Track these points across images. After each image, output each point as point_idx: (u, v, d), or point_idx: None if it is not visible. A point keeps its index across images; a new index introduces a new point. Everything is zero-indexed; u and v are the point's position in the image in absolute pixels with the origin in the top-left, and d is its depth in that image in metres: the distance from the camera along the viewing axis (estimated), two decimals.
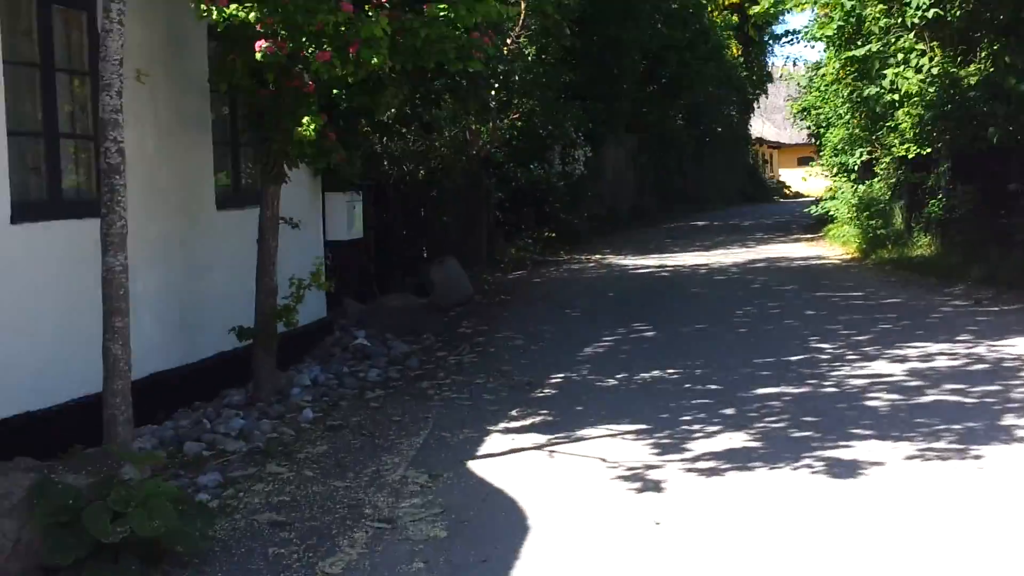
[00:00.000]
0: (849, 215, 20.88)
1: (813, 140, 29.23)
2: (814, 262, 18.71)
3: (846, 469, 6.08)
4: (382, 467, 6.37)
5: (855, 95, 18.94)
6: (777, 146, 58.20)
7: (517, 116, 20.76)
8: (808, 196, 56.93)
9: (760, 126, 53.26)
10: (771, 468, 6.15)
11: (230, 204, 9.25)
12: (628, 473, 6.16)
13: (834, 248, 21.19)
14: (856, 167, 20.83)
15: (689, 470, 6.18)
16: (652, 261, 19.84)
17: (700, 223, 32.07)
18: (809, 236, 25.10)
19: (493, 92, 19.24)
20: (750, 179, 48.22)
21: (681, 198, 37.62)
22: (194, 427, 7.13)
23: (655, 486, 5.90)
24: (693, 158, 39.15)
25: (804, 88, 27.73)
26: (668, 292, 15.04)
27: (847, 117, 20.29)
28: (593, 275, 17.93)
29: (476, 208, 17.94)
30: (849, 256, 19.42)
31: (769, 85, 47.20)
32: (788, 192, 55.15)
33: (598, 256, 21.37)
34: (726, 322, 12.03)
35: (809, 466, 6.18)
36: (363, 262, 12.33)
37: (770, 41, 45.98)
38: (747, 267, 18.08)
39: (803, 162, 65.36)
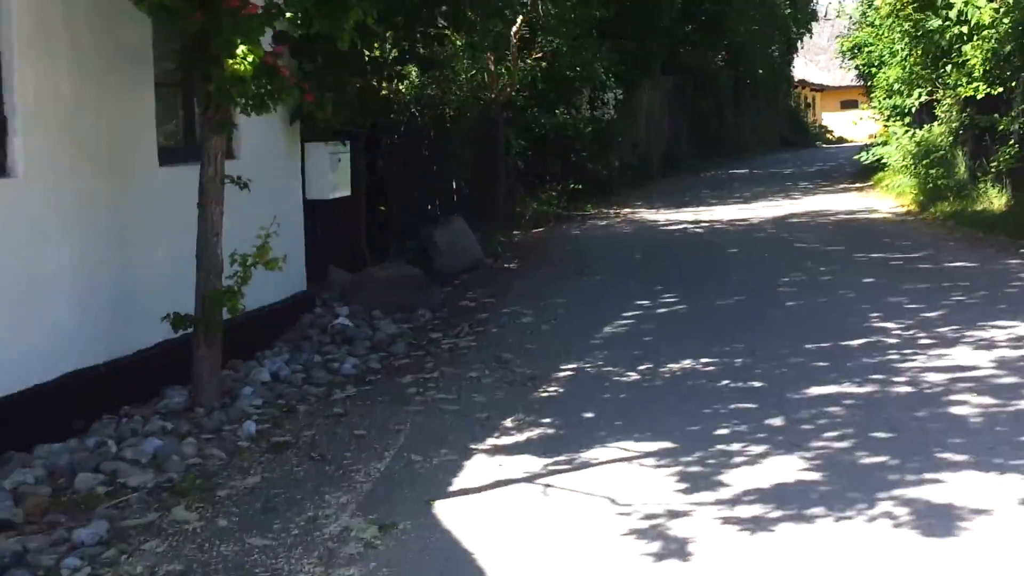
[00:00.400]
0: (904, 163, 19.01)
1: (863, 82, 27.19)
2: (866, 216, 16.96)
3: (940, 520, 4.49)
4: (322, 512, 4.85)
5: (915, 28, 17.03)
6: (820, 88, 55.71)
7: (540, 56, 19.00)
8: (852, 141, 54.56)
9: (803, 67, 50.85)
10: (837, 518, 4.56)
11: (177, 158, 7.68)
12: (644, 524, 4.59)
13: (887, 200, 19.38)
14: (913, 109, 18.94)
15: (726, 520, 4.61)
16: (686, 215, 18.16)
17: (739, 171, 30.21)
18: (858, 186, 23.25)
19: (514, 28, 17.53)
20: (791, 124, 46.00)
21: (719, 144, 35.69)
22: (96, 451, 5.64)
23: (680, 548, 4.33)
24: (732, 102, 37.09)
25: (855, 24, 25.71)
26: (702, 253, 13.42)
27: (904, 54, 18.34)
28: (620, 232, 16.31)
29: (493, 159, 16.29)
30: (904, 209, 17.64)
31: (814, 24, 44.79)
32: (831, 137, 52.91)
33: (628, 210, 19.70)
34: (770, 293, 10.40)
35: (889, 514, 4.58)
36: (353, 225, 10.78)
37: None
38: (791, 223, 16.37)
39: (847, 105, 62.77)
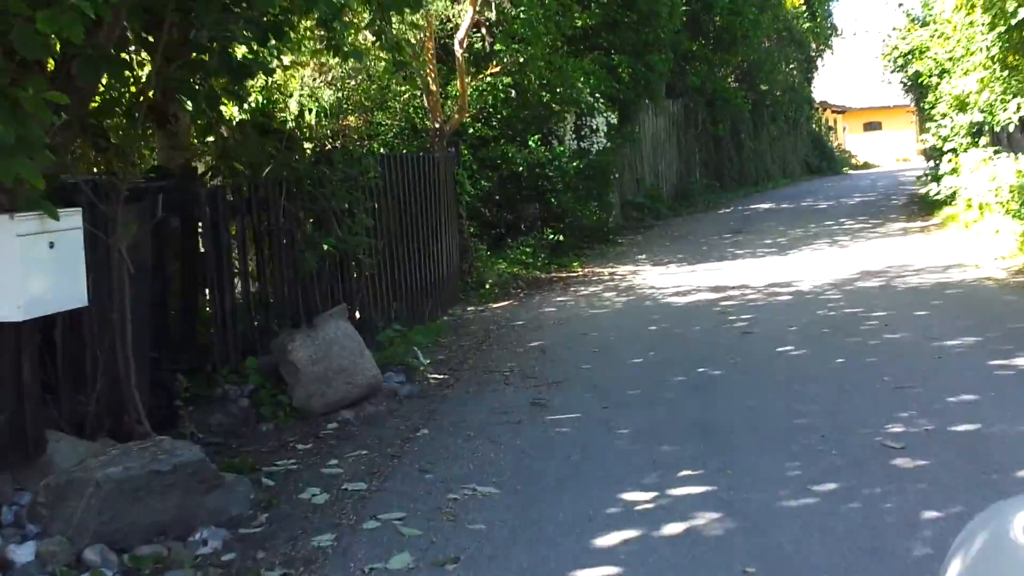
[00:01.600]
0: (1002, 199, 14.10)
1: (913, 99, 22.52)
2: (969, 276, 11.94)
3: None
4: None
5: (999, 19, 12.35)
6: (842, 110, 50.99)
7: (499, 70, 14.30)
8: (877, 167, 49.68)
9: (824, 87, 46.17)
10: None
11: None
12: None
13: (971, 245, 14.46)
14: (1007, 127, 14.17)
15: None
16: (704, 277, 13.35)
17: (764, 206, 25.41)
18: (919, 225, 18.41)
19: (460, 35, 12.86)
20: (815, 149, 41.21)
21: (737, 174, 30.97)
22: None
23: None
24: (750, 126, 32.38)
25: (905, 29, 21.05)
26: (733, 361, 8.44)
27: (992, 53, 13.57)
28: (610, 311, 11.50)
29: (435, 210, 11.54)
30: (1013, 262, 12.60)
31: (834, 40, 40.18)
32: (856, 162, 48.19)
33: (627, 268, 14.94)
34: (873, 474, 5.44)
35: None
36: (105, 358, 5.97)
37: None
38: (862, 291, 11.48)
39: (870, 127, 58.03)
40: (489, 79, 14.38)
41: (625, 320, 10.81)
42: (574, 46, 17.39)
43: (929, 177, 21.21)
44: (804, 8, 36.25)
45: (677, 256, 15.92)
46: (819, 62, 39.83)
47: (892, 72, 22.73)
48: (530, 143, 15.68)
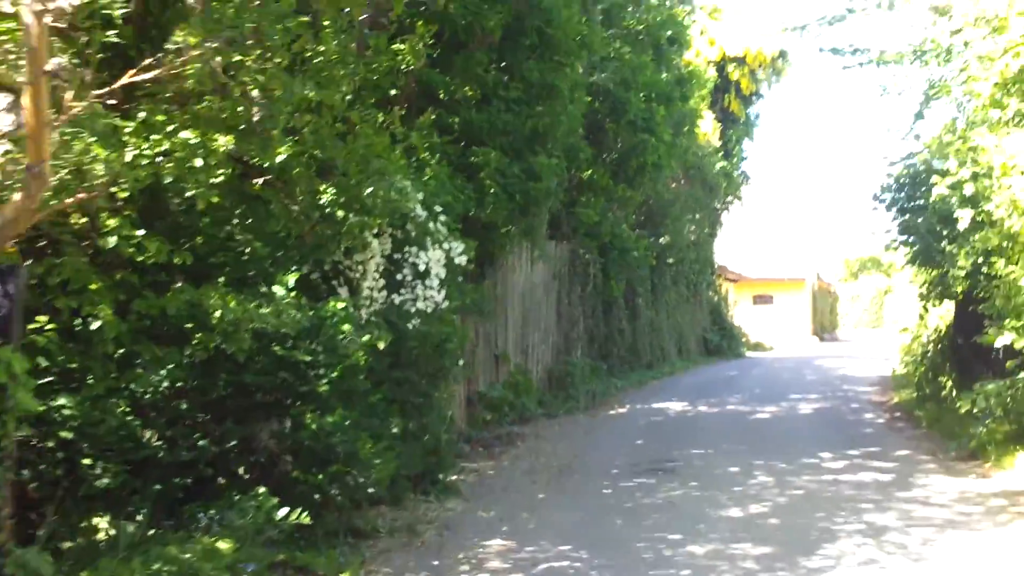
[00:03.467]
0: None
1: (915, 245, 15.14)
2: None
3: None
4: None
5: None
6: (734, 279, 44.27)
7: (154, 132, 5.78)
8: (770, 348, 42.78)
9: (719, 250, 39.26)
10: None
11: None
12: None
13: None
14: None
15: None
16: None
17: (673, 407, 17.30)
18: (975, 474, 10.38)
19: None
20: (714, 323, 33.89)
21: (628, 352, 22.94)
22: None
23: None
24: (649, 287, 24.67)
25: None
26: None
27: None
28: None
29: None
30: None
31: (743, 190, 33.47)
32: (747, 341, 40.86)
33: None
34: None
35: None
36: None
37: (754, 123, 32.37)
38: None
39: (760, 301, 51.73)
40: (138, 146, 5.83)
41: None
42: (391, 110, 9.09)
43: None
44: (719, 143, 29.41)
45: (564, 538, 7.49)
46: (724, 216, 32.93)
47: (896, 207, 15.55)
48: (275, 288, 7.10)
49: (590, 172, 19.28)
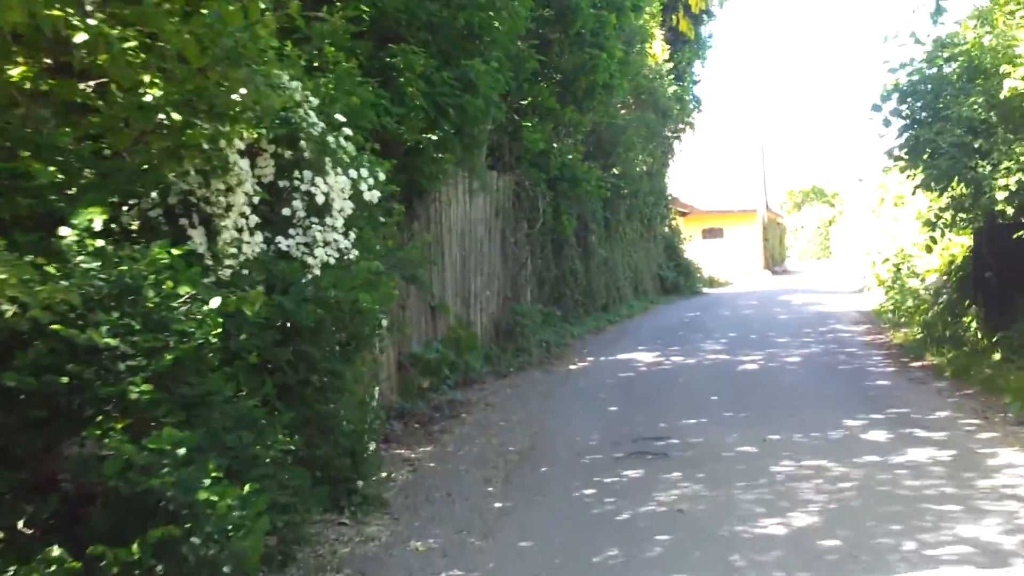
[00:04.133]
0: None
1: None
2: None
3: None
4: None
5: None
6: (684, 212, 41.86)
7: None
8: (727, 284, 40.40)
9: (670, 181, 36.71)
10: None
11: None
12: None
13: None
14: None
15: None
16: None
17: (640, 357, 14.90)
18: None
19: None
20: (670, 260, 31.51)
21: (583, 295, 20.46)
22: None
23: None
24: (603, 222, 22.16)
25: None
26: None
27: None
28: None
29: None
30: None
31: (696, 117, 30.88)
32: (702, 278, 38.51)
33: None
34: None
35: None
36: None
37: (705, 44, 29.79)
38: None
39: (710, 235, 49.44)
40: None
41: None
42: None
43: None
44: (671, 65, 26.70)
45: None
46: (676, 145, 30.34)
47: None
48: (64, 230, 4.40)
49: (533, 94, 16.60)
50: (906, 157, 13.79)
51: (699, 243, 45.06)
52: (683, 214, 40.99)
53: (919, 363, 13.07)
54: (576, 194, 18.85)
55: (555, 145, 18.07)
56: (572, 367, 14.49)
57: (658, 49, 25.90)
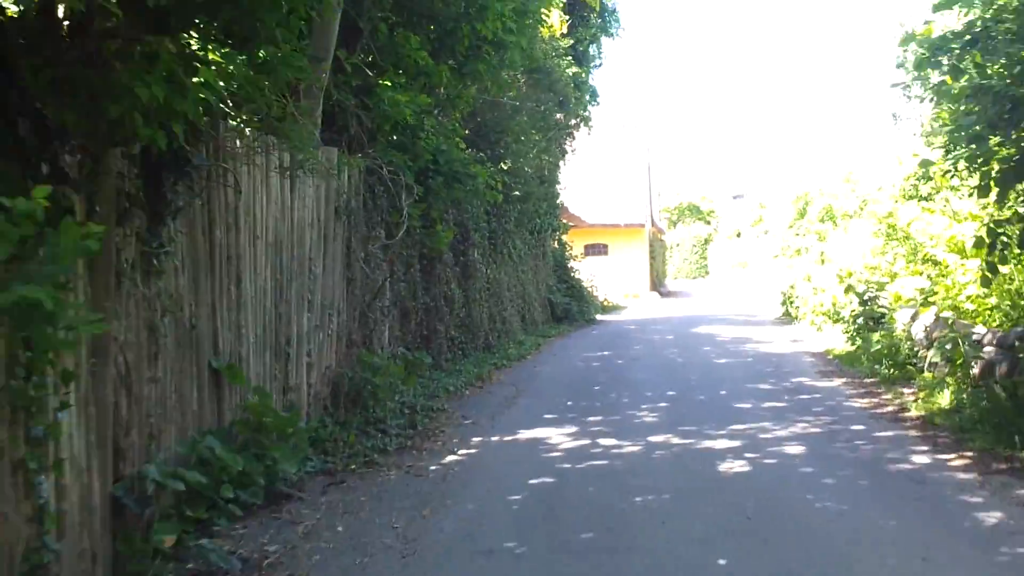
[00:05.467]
0: None
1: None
2: None
3: None
4: None
5: None
6: (571, 224, 36.79)
7: None
8: (617, 307, 35.25)
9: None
10: None
11: None
12: None
13: None
14: None
15: None
16: None
17: (552, 437, 9.52)
18: None
19: None
20: (561, 281, 26.41)
21: (459, 329, 15.15)
22: None
23: None
24: (485, 234, 16.87)
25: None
26: None
27: None
28: None
29: None
30: None
31: (592, 109, 25.89)
32: (594, 300, 33.35)
33: None
34: None
35: None
36: None
37: (610, 20, 24.84)
38: None
39: (592, 251, 44.59)
40: None
41: None
42: None
43: None
44: (568, 43, 21.56)
45: None
46: (569, 144, 25.28)
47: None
48: None
49: (396, 45, 11.29)
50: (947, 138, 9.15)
51: (581, 260, 40.20)
52: (570, 226, 35.98)
53: (1002, 464, 8.16)
54: (455, 195, 13.47)
55: (426, 121, 12.68)
56: (451, 458, 9.10)
57: (556, 21, 20.81)
